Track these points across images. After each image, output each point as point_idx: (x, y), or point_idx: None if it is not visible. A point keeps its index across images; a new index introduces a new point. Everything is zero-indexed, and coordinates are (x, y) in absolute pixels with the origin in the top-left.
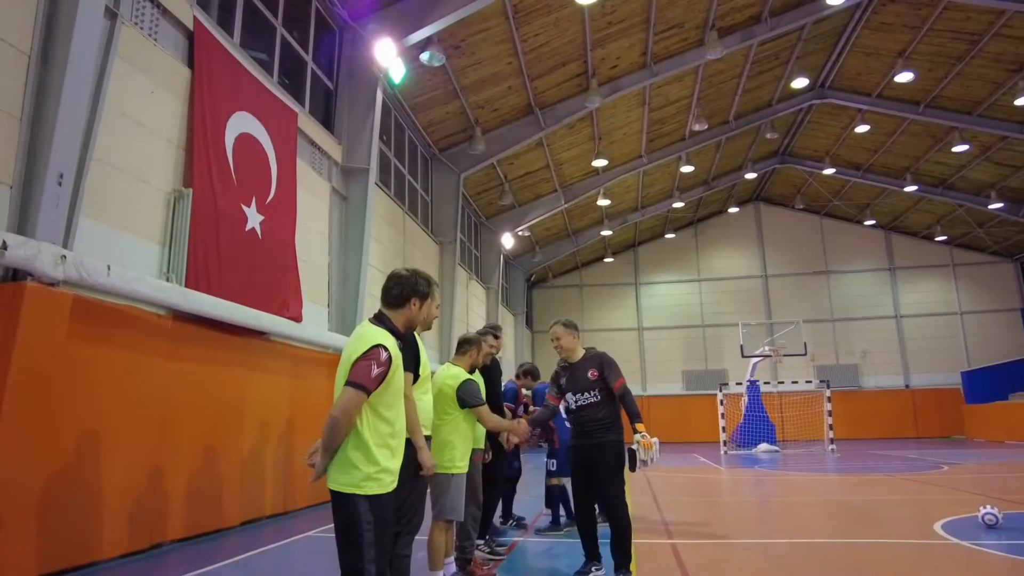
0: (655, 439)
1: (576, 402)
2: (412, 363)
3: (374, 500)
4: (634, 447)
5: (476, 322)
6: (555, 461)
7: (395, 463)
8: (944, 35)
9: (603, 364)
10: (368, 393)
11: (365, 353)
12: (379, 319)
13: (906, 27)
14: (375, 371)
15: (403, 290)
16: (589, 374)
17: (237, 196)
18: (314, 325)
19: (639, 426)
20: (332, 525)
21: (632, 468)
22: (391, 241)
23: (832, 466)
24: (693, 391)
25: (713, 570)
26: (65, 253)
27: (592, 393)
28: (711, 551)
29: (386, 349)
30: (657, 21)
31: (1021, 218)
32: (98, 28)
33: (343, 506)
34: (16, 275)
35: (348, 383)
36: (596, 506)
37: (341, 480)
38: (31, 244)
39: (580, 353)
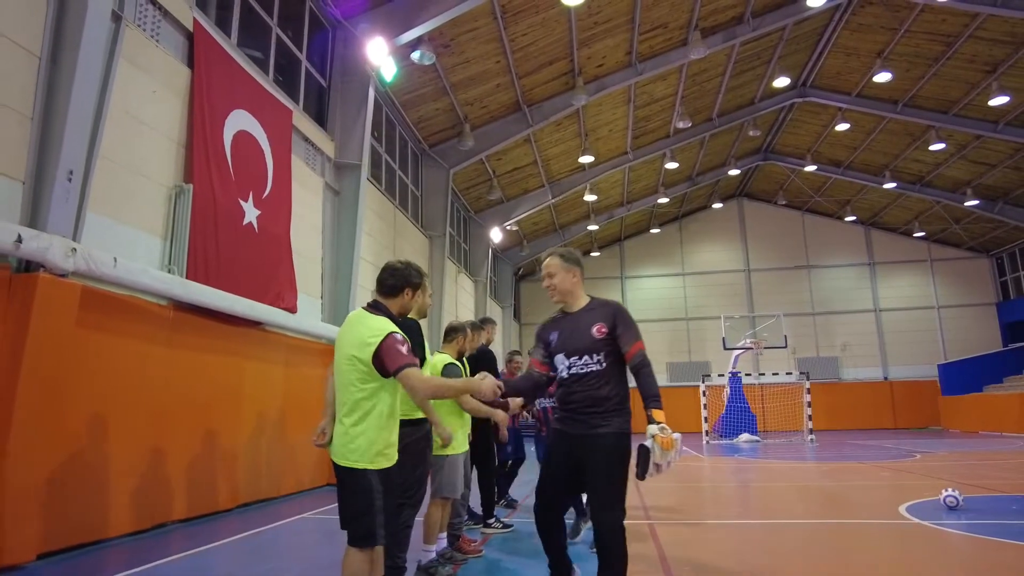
0: (677, 435)
1: (569, 368)
2: (419, 350)
3: (383, 472)
4: (648, 443)
5: (465, 315)
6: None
7: (396, 437)
8: (920, 36)
9: (616, 318)
10: (416, 364)
11: (383, 343)
12: (376, 307)
13: (884, 28)
14: (404, 348)
15: (397, 280)
16: (594, 330)
17: (235, 191)
18: (308, 316)
19: (657, 413)
20: (322, 508)
21: (642, 475)
22: (382, 235)
23: (810, 455)
24: (677, 383)
25: (687, 547)
26: (75, 246)
27: (595, 358)
28: (688, 531)
29: (398, 333)
30: (642, 21)
31: (996, 215)
32: (105, 30)
33: (355, 479)
34: (29, 266)
35: (398, 370)
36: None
37: (352, 457)
38: (43, 237)
39: (583, 301)
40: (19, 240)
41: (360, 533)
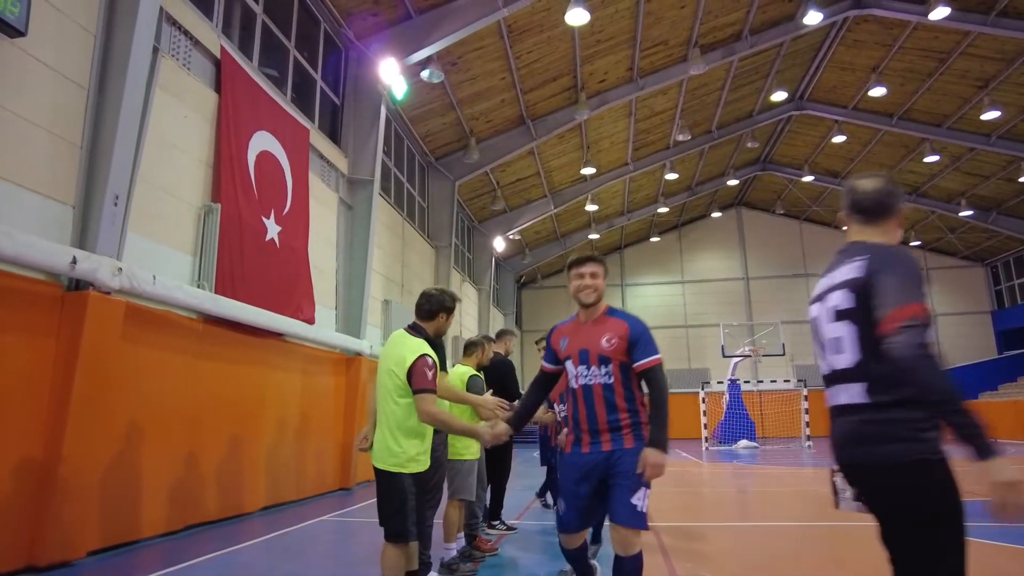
0: None
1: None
2: (442, 363)
3: (416, 476)
4: None
5: (468, 322)
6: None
7: (429, 444)
8: (914, 53)
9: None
10: (434, 392)
11: (416, 363)
12: (415, 329)
13: (879, 44)
14: (430, 374)
15: (433, 306)
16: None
17: (258, 209)
18: (323, 326)
19: None
20: (340, 510)
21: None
22: (391, 246)
23: (807, 460)
24: (676, 389)
25: (691, 549)
26: (120, 266)
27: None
28: (690, 533)
29: (430, 356)
30: (643, 39)
31: (990, 225)
32: (146, 63)
33: (392, 482)
34: (79, 285)
35: (417, 391)
36: None
37: (390, 461)
38: (93, 258)
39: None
40: (74, 261)
41: (395, 530)
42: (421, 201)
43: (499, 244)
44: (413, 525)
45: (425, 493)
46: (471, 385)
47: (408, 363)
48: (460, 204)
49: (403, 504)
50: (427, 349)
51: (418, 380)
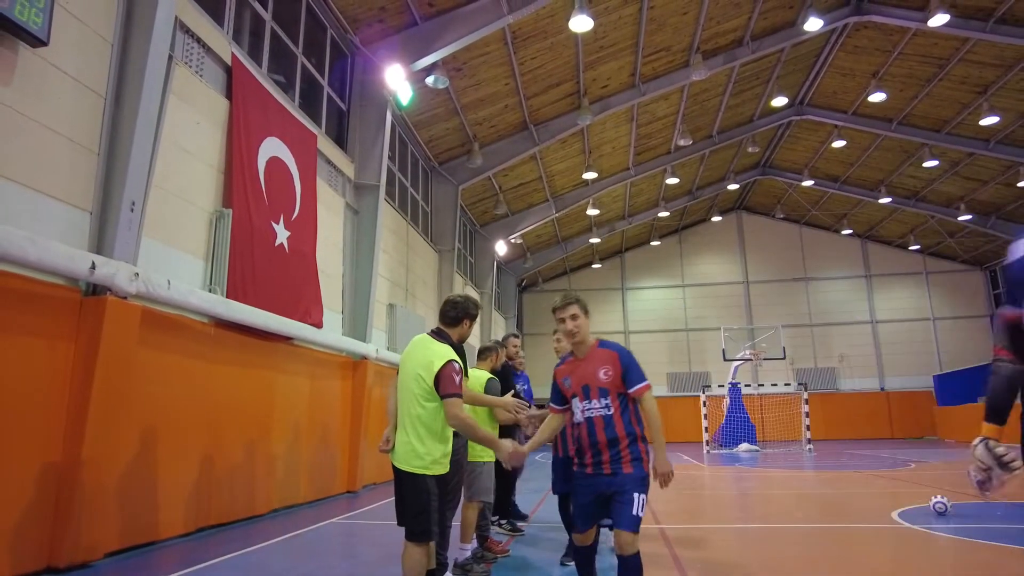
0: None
1: None
2: (465, 368)
3: (438, 478)
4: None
5: None
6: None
7: (451, 448)
8: (913, 59)
9: None
10: (461, 396)
11: (444, 369)
12: (439, 334)
13: (878, 50)
14: (457, 379)
15: (458, 312)
16: None
17: (268, 214)
18: (330, 330)
19: None
20: (348, 513)
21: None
22: (396, 251)
23: (808, 464)
24: (677, 393)
25: (697, 549)
26: (137, 271)
27: None
28: (696, 534)
29: (457, 362)
30: (645, 45)
31: (988, 229)
32: (162, 71)
33: (415, 483)
34: (96, 290)
35: (444, 396)
36: None
37: (414, 463)
38: (111, 263)
39: None
40: (93, 267)
41: (419, 530)
42: (425, 205)
43: (501, 248)
44: (435, 525)
45: (445, 495)
46: (490, 386)
47: (436, 368)
48: (463, 208)
49: (427, 505)
50: (454, 355)
51: (446, 385)
